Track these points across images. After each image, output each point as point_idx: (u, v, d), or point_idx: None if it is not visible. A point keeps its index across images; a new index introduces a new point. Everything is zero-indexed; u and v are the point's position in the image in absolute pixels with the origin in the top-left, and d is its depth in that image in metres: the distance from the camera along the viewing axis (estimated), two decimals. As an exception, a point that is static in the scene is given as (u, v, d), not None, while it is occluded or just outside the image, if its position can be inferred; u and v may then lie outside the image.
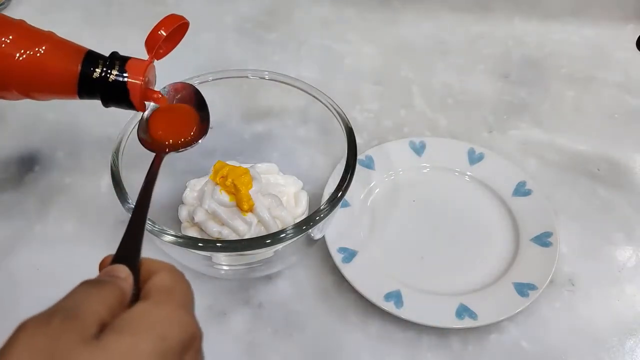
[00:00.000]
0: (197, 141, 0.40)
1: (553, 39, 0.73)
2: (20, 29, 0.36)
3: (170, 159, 0.50)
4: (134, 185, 0.43)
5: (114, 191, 0.41)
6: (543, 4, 0.78)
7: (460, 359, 0.44)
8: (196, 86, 0.48)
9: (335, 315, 0.47)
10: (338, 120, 0.47)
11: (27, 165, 0.57)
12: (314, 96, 0.48)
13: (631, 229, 0.53)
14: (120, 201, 0.41)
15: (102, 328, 0.23)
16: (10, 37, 0.35)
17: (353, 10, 0.76)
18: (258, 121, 0.54)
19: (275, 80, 0.50)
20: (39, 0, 0.75)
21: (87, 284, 0.25)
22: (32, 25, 0.37)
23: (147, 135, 0.40)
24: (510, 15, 0.76)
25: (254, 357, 0.45)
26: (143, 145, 0.40)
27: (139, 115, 0.46)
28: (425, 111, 0.64)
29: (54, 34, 0.37)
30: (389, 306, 0.45)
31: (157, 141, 0.40)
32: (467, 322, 0.44)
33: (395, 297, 0.45)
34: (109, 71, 0.35)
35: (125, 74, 0.35)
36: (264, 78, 0.50)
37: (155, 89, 0.40)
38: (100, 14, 0.74)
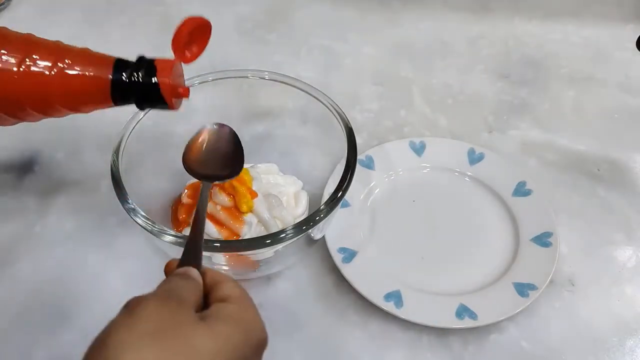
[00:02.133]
0: (237, 173, 0.43)
1: (553, 39, 0.73)
2: (51, 46, 0.37)
3: (170, 159, 0.50)
4: (134, 185, 0.43)
5: (114, 191, 0.41)
6: (543, 4, 0.78)
7: (460, 359, 0.44)
8: (196, 86, 0.49)
9: (335, 315, 0.47)
10: (338, 120, 0.47)
11: (27, 165, 0.57)
12: (314, 96, 0.48)
13: (631, 229, 0.53)
14: (120, 201, 0.41)
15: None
16: (39, 55, 0.36)
17: (353, 10, 0.76)
18: (258, 121, 0.54)
19: (275, 80, 0.50)
20: (39, 1, 0.75)
21: (179, 278, 0.29)
22: (44, 39, 0.38)
23: (193, 164, 0.43)
24: (510, 15, 0.76)
25: (254, 357, 0.45)
26: (190, 173, 0.43)
27: (139, 115, 0.46)
28: (425, 111, 0.64)
29: (85, 48, 0.38)
30: (389, 306, 0.45)
31: (205, 170, 0.43)
32: (467, 322, 0.44)
33: (395, 297, 0.45)
34: (139, 74, 0.37)
35: (154, 74, 0.37)
36: (264, 78, 0.50)
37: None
38: (100, 14, 0.74)
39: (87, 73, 0.37)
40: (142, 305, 0.26)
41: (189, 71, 0.49)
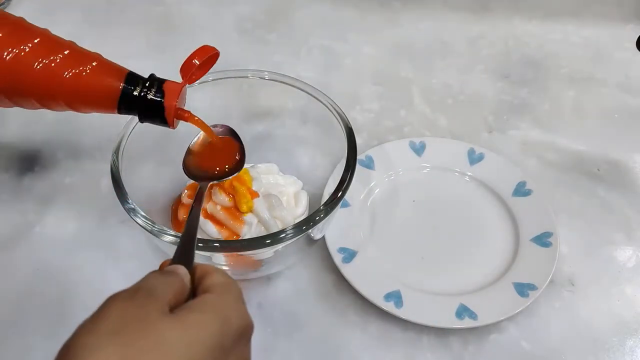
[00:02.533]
0: (237, 171, 0.44)
1: (553, 39, 0.73)
2: (70, 48, 0.39)
3: (170, 159, 0.50)
4: (134, 185, 0.43)
5: (114, 191, 0.41)
6: (543, 4, 0.78)
7: (460, 359, 0.44)
8: (196, 86, 0.49)
9: (335, 315, 0.47)
10: (338, 120, 0.47)
11: (27, 165, 0.57)
12: (314, 96, 0.48)
13: (631, 229, 0.53)
14: (120, 201, 0.41)
15: (171, 309, 0.26)
16: (60, 56, 0.38)
17: (353, 10, 0.76)
18: (258, 121, 0.54)
19: (275, 80, 0.50)
20: (39, 0, 0.75)
21: (157, 273, 0.29)
22: (80, 46, 0.40)
23: (192, 166, 0.45)
24: (510, 15, 0.76)
25: (254, 357, 0.44)
26: (189, 177, 0.44)
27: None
28: (425, 111, 0.64)
29: (99, 54, 0.40)
30: (389, 306, 0.45)
31: (202, 171, 0.44)
32: (467, 322, 0.44)
33: (395, 297, 0.45)
34: (148, 91, 0.39)
35: (161, 95, 0.39)
36: (264, 78, 0.50)
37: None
38: (100, 14, 0.74)
39: (101, 80, 0.38)
40: (107, 303, 0.26)
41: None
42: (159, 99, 0.39)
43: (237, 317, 0.28)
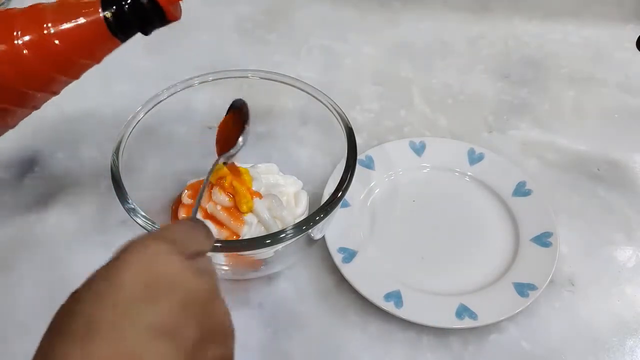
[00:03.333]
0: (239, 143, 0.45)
1: (553, 39, 0.73)
2: (34, 13, 0.37)
3: (170, 159, 0.50)
4: (134, 185, 0.43)
5: (114, 191, 0.41)
6: (543, 4, 0.78)
7: (460, 359, 0.44)
8: (196, 86, 0.49)
9: (335, 315, 0.47)
10: (338, 120, 0.47)
11: (27, 165, 0.57)
12: (314, 96, 0.48)
13: (631, 229, 0.53)
14: (120, 201, 0.41)
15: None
16: (21, 29, 0.37)
17: (353, 10, 0.76)
18: (258, 121, 0.54)
19: (276, 80, 0.50)
20: (39, 1, 0.75)
21: (186, 222, 0.31)
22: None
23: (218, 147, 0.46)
24: (510, 15, 0.76)
25: (254, 357, 0.45)
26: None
27: (139, 115, 0.46)
28: (425, 111, 0.64)
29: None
30: (389, 306, 0.45)
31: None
32: (467, 322, 0.44)
33: (395, 297, 0.45)
34: None
35: None
36: (264, 78, 0.50)
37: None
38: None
39: (77, 19, 0.37)
40: (66, 302, 0.26)
41: (190, 71, 0.50)
42: None
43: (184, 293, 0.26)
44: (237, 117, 0.46)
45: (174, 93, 0.48)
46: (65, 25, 0.37)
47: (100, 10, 0.37)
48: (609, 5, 0.77)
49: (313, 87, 0.49)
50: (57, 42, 0.37)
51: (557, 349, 0.45)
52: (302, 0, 0.77)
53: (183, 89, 0.48)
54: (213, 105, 0.50)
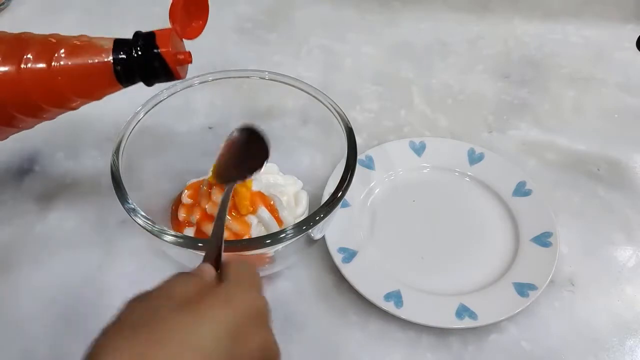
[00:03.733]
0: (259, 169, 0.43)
1: (553, 39, 0.73)
2: (46, 41, 0.37)
3: (170, 159, 0.50)
4: (134, 185, 0.43)
5: (114, 191, 0.41)
6: (543, 4, 0.78)
7: (460, 359, 0.44)
8: (196, 86, 0.49)
9: (335, 315, 0.47)
10: (338, 120, 0.47)
11: (27, 165, 0.57)
12: (314, 96, 0.48)
13: (631, 229, 0.53)
14: (120, 201, 0.41)
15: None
16: (31, 56, 0.37)
17: (353, 10, 0.76)
18: (258, 121, 0.54)
19: (275, 80, 0.50)
20: (39, 1, 0.75)
21: (179, 273, 0.30)
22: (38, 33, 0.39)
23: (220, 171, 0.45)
24: (510, 15, 0.76)
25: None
26: (219, 182, 0.44)
27: (139, 115, 0.46)
28: (425, 111, 0.64)
29: (83, 35, 0.38)
30: (389, 306, 0.45)
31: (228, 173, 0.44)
32: (467, 322, 0.44)
33: (395, 297, 0.45)
34: (138, 48, 0.37)
35: (154, 46, 0.37)
36: (264, 78, 0.50)
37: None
38: (99, 15, 0.74)
39: (87, 60, 0.37)
40: (125, 304, 0.27)
41: (190, 71, 0.49)
42: (151, 51, 0.36)
43: (245, 305, 0.29)
44: (238, 145, 0.45)
45: (174, 93, 0.48)
46: (73, 64, 0.37)
47: (111, 58, 0.37)
48: (609, 5, 0.77)
49: (313, 87, 0.49)
50: (59, 78, 0.37)
51: (557, 349, 0.45)
52: (302, 0, 0.77)
53: (183, 89, 0.48)
54: (213, 105, 0.50)
